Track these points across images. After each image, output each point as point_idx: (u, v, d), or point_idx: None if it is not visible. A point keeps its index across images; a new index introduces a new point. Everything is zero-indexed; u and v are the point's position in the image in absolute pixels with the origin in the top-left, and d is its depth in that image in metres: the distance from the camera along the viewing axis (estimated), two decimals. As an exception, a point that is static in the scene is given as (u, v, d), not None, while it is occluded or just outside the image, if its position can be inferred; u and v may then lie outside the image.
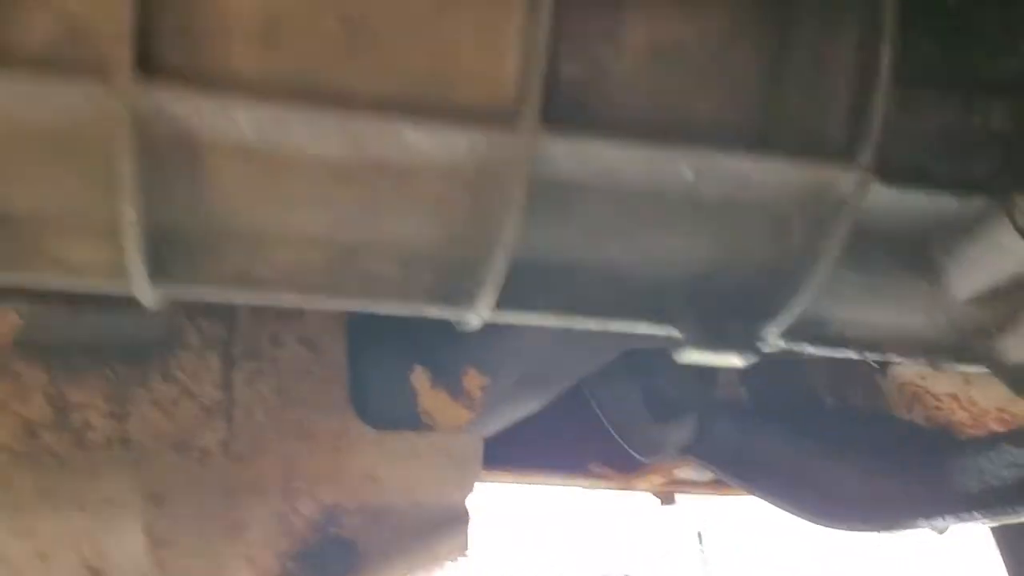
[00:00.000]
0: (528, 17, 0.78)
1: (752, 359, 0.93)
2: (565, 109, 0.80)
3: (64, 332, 1.40)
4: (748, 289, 0.91)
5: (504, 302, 0.89)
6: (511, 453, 1.66)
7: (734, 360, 0.93)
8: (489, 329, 0.96)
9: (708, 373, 1.51)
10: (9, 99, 0.74)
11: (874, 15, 0.81)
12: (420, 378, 1.45)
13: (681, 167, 0.82)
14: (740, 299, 0.91)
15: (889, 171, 0.84)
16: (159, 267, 0.85)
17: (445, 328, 1.29)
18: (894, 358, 0.97)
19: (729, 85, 0.82)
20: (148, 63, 0.74)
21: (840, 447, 1.36)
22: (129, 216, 0.78)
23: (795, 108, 0.84)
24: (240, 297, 0.91)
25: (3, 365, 1.35)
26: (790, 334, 0.93)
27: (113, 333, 1.40)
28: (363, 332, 1.46)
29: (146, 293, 0.87)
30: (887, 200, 0.86)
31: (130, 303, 1.40)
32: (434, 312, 0.92)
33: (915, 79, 0.84)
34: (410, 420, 1.44)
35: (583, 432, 1.67)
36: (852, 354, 0.96)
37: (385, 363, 1.47)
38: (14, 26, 0.73)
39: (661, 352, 1.40)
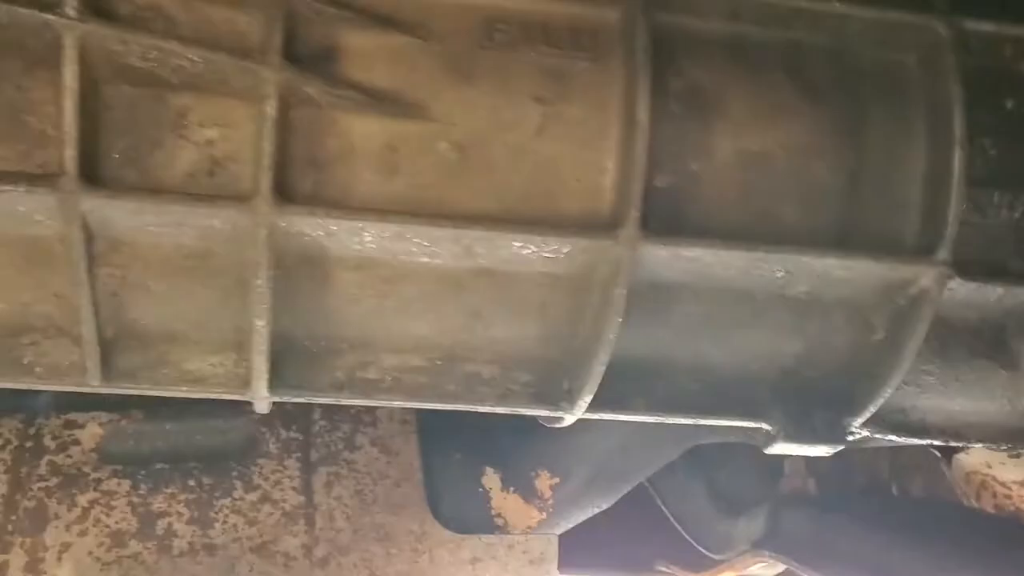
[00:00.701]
0: (625, 134, 0.85)
1: (839, 448, 0.96)
2: (661, 216, 0.86)
3: (146, 442, 1.45)
4: (834, 381, 0.96)
5: (599, 401, 0.93)
6: (577, 552, 1.67)
7: (822, 450, 0.97)
8: (559, 429, 1.00)
9: (774, 464, 1.54)
10: (156, 225, 0.81)
11: (944, 123, 0.88)
12: (491, 480, 1.49)
13: (771, 268, 0.88)
14: (826, 391, 0.96)
15: (965, 267, 0.89)
16: (276, 374, 0.90)
17: (515, 429, 1.33)
18: (976, 445, 1.01)
19: (812, 190, 0.88)
20: (283, 189, 0.81)
21: (913, 536, 1.37)
22: (259, 328, 0.84)
23: (874, 209, 0.90)
24: (348, 400, 0.96)
25: (88, 475, 1.40)
26: (874, 423, 0.97)
27: (194, 442, 1.45)
28: (434, 434, 1.51)
29: (263, 400, 0.92)
30: (964, 294, 0.91)
31: (211, 412, 1.46)
32: (531, 412, 0.97)
33: (984, 180, 0.90)
34: (483, 522, 1.46)
35: (649, 530, 1.69)
36: (935, 442, 1.00)
37: (457, 465, 1.50)
38: (160, 158, 0.81)
39: (725, 446, 1.43)
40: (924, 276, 0.89)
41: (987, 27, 0.92)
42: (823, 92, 0.90)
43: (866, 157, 0.90)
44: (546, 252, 0.86)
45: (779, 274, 0.88)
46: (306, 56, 0.81)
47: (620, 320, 0.86)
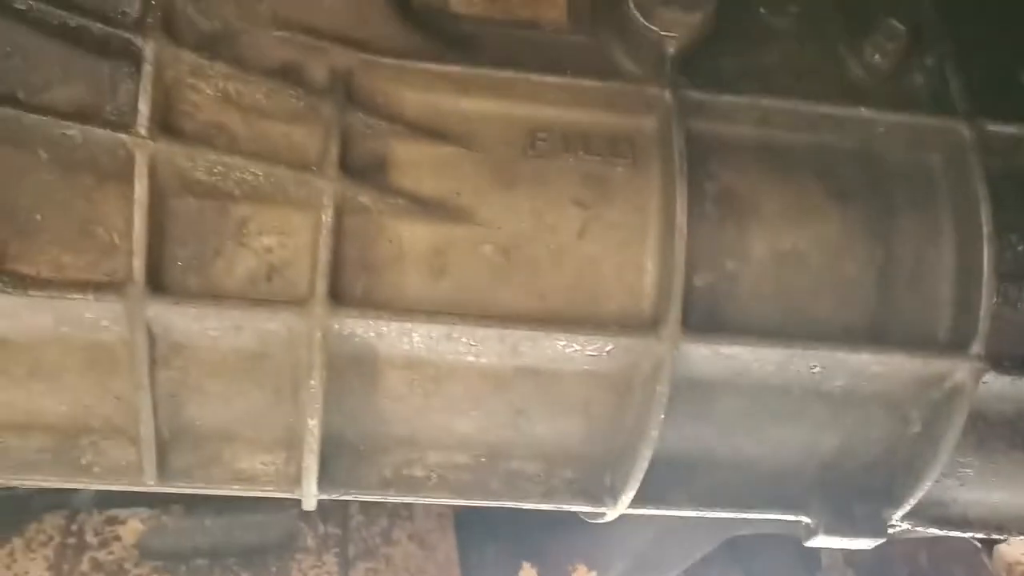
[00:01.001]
0: (663, 236, 0.88)
1: (880, 541, 0.97)
2: (700, 315, 0.89)
3: (186, 538, 1.46)
4: (873, 474, 0.97)
5: (641, 496, 0.95)
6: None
7: (863, 543, 0.98)
8: (595, 523, 1.01)
9: (812, 555, 1.53)
10: (216, 329, 0.84)
11: (971, 219, 0.91)
12: (528, 574, 1.49)
13: (807, 363, 0.90)
14: (866, 483, 0.97)
15: (999, 361, 0.91)
16: (324, 472, 0.92)
17: (551, 522, 1.33)
18: (1019, 537, 1.01)
19: (844, 288, 0.91)
20: (336, 293, 0.84)
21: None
22: (311, 427, 0.87)
23: (906, 305, 0.92)
24: (393, 497, 0.97)
25: (129, 571, 1.41)
26: (914, 515, 0.98)
27: (234, 537, 1.46)
28: (470, 528, 1.51)
29: (311, 498, 0.94)
30: (999, 387, 0.92)
31: (250, 507, 1.47)
32: (574, 507, 0.98)
33: (1012, 274, 0.93)
34: (520, 616, 1.46)
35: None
36: (976, 534, 1.00)
37: (493, 559, 1.51)
38: (221, 265, 0.84)
39: (762, 537, 1.42)
40: (958, 370, 0.91)
41: (1009, 129, 0.95)
42: (852, 192, 0.93)
43: (896, 254, 0.92)
44: (589, 351, 0.88)
45: (815, 370, 0.91)
46: (359, 167, 0.86)
47: (663, 417, 0.88)
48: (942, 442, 0.93)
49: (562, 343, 0.88)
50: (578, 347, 0.88)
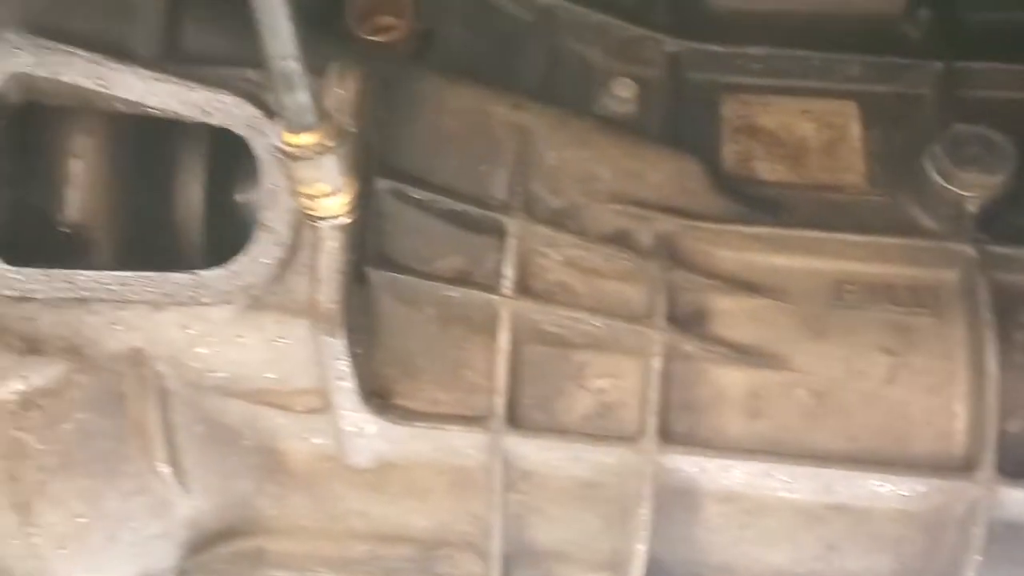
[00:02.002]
0: (973, 383, 0.93)
1: None
2: (1014, 459, 0.91)
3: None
4: None
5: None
6: None
7: None
8: None
9: None
10: (558, 460, 0.98)
11: None
12: None
13: None
14: None
15: None
16: (643, 595, 1.01)
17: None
18: None
19: None
20: (663, 431, 0.95)
21: None
22: (639, 552, 0.97)
23: None
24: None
25: None
26: None
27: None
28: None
29: (632, 620, 1.03)
30: None
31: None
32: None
33: None
34: None
35: None
36: None
37: None
38: (563, 403, 0.98)
39: None
40: None
41: None
42: None
43: None
44: (902, 490, 0.93)
45: None
46: (682, 318, 0.97)
47: (979, 559, 0.91)
48: None
49: (875, 482, 0.94)
50: (891, 487, 0.94)
